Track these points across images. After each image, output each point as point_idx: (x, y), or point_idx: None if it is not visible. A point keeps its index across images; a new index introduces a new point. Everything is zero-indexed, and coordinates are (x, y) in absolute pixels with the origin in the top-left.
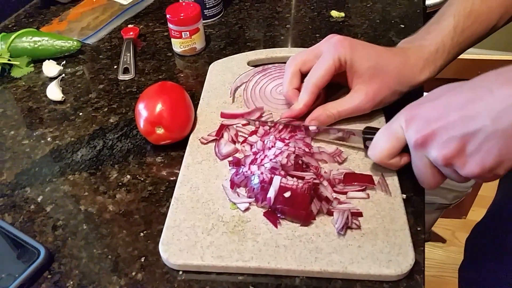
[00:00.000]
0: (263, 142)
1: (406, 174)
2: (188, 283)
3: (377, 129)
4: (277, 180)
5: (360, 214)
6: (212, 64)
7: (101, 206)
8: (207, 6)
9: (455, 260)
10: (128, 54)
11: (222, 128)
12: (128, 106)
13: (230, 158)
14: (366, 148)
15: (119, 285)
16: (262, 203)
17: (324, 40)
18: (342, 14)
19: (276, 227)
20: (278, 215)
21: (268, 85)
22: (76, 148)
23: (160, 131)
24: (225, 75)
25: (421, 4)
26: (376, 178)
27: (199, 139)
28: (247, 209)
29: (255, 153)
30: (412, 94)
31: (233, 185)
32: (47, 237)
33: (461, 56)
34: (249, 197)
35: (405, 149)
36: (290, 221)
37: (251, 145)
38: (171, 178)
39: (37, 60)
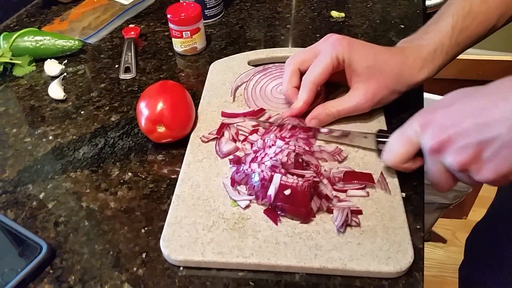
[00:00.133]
0: (264, 140)
1: (406, 173)
2: (189, 279)
3: (390, 132)
4: (277, 178)
5: (359, 212)
6: (212, 63)
7: (103, 203)
8: (208, 6)
9: (455, 260)
10: (129, 54)
11: (223, 126)
12: (129, 105)
13: (231, 157)
14: (378, 150)
15: (120, 281)
16: (263, 201)
17: (322, 39)
18: (342, 14)
19: (276, 224)
20: (278, 212)
21: (269, 85)
22: (78, 146)
23: (161, 129)
24: (226, 75)
25: (421, 4)
26: (375, 177)
27: (200, 138)
28: (247, 206)
29: (255, 152)
30: (411, 93)
31: (234, 182)
32: (49, 233)
33: (461, 57)
34: (250, 195)
35: (418, 153)
36: (290, 218)
37: (251, 144)
38: (172, 176)
39: (38, 59)
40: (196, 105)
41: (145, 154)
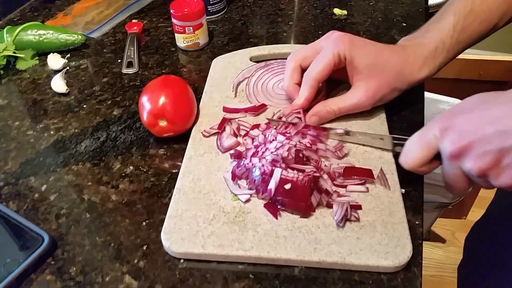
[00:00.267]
0: (265, 135)
1: (405, 170)
2: (189, 271)
3: (407, 134)
4: (277, 172)
5: (359, 207)
6: (215, 59)
7: (104, 195)
8: (211, 2)
9: (455, 260)
10: (132, 49)
11: (224, 121)
12: (131, 99)
13: (232, 151)
14: (394, 152)
15: (121, 272)
16: (263, 195)
17: (324, 36)
18: (345, 12)
19: (276, 218)
20: (279, 206)
21: (270, 80)
22: (80, 140)
23: (163, 123)
24: (228, 70)
25: (423, 3)
26: (375, 173)
27: (202, 132)
28: (248, 200)
29: (256, 146)
30: (412, 91)
31: (235, 177)
32: (51, 224)
33: (462, 57)
34: (250, 189)
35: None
36: (290, 212)
37: (252, 139)
38: (173, 170)
39: (42, 53)
40: (198, 100)
41: (146, 148)
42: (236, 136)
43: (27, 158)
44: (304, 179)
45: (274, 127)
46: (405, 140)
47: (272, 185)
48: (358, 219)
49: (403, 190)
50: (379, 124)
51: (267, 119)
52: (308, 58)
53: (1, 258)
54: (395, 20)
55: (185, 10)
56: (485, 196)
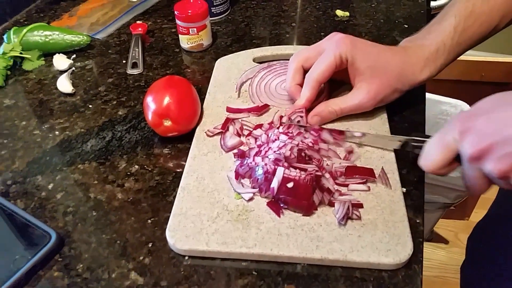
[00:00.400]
0: (268, 135)
1: (406, 169)
2: (194, 267)
3: (425, 136)
4: (280, 171)
5: (360, 206)
6: (218, 60)
7: (110, 194)
8: (215, 4)
9: (457, 261)
10: (137, 49)
11: (228, 121)
12: (136, 100)
13: (235, 151)
14: (414, 155)
15: (127, 269)
16: (266, 193)
17: (326, 38)
18: (347, 14)
19: (279, 216)
20: (281, 205)
21: (273, 81)
22: (86, 139)
23: (167, 123)
24: (231, 71)
25: (425, 5)
26: (377, 172)
27: (205, 132)
28: (251, 199)
29: (259, 146)
30: (413, 92)
31: (238, 176)
32: (58, 222)
33: (464, 58)
34: (253, 188)
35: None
36: (293, 211)
37: (255, 138)
38: (178, 170)
39: (47, 54)
40: (202, 100)
41: (151, 148)
42: (239, 135)
43: (34, 157)
44: (306, 178)
45: (277, 126)
46: (424, 142)
47: (274, 184)
48: (359, 218)
49: (404, 189)
50: (380, 124)
51: (288, 122)
52: (310, 59)
53: (10, 254)
54: (397, 21)
55: (189, 11)
56: (488, 197)
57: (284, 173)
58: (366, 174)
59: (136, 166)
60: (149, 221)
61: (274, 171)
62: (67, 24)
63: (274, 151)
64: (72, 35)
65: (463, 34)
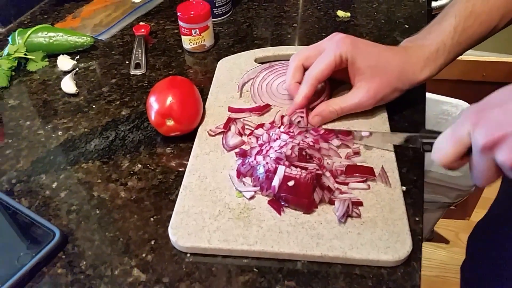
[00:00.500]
0: (269, 134)
1: (406, 168)
2: (196, 264)
3: (435, 132)
4: (281, 170)
5: (360, 204)
6: (220, 60)
7: (113, 192)
8: (217, 5)
9: (458, 261)
10: (140, 50)
11: (230, 121)
12: (139, 100)
13: (237, 150)
14: (423, 151)
15: (130, 266)
16: (267, 192)
17: (327, 38)
18: (348, 14)
19: (280, 214)
20: (282, 203)
21: (275, 81)
22: (89, 139)
23: (170, 123)
24: (233, 72)
25: (425, 5)
26: (376, 171)
27: (207, 131)
28: (252, 197)
29: (261, 145)
30: (413, 91)
31: (239, 174)
32: (61, 220)
33: (465, 58)
34: (255, 186)
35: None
36: (293, 209)
37: (257, 138)
38: (180, 169)
39: (51, 55)
40: (204, 100)
41: (154, 147)
42: (241, 135)
43: (38, 156)
44: (307, 176)
45: (278, 126)
46: (434, 138)
47: (276, 182)
48: (359, 215)
49: (404, 188)
50: (381, 123)
51: (299, 127)
52: (311, 58)
53: (15, 252)
54: (397, 22)
55: (192, 12)
56: (489, 197)
57: (285, 172)
58: (366, 173)
59: (139, 165)
60: (152, 219)
61: (275, 169)
62: (70, 25)
63: (275, 150)
64: (76, 36)
65: (463, 34)
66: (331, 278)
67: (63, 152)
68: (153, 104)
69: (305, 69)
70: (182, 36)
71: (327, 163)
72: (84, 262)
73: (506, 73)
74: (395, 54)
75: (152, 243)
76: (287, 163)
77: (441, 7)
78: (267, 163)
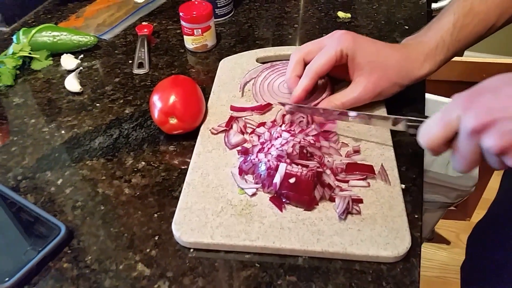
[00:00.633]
0: (270, 133)
1: (405, 166)
2: (199, 260)
3: (421, 116)
4: (282, 167)
5: (360, 201)
6: (222, 60)
7: (118, 189)
8: (219, 5)
9: (459, 261)
10: (143, 50)
11: (232, 119)
12: (142, 98)
13: (239, 148)
14: (410, 134)
15: (134, 261)
16: (268, 189)
17: (329, 34)
18: (349, 15)
19: (281, 211)
20: (283, 200)
21: (276, 80)
22: (93, 136)
23: (173, 121)
24: (235, 71)
25: (425, 7)
26: (376, 169)
27: (210, 130)
28: (254, 194)
29: (262, 143)
30: (412, 88)
31: (241, 172)
32: (67, 216)
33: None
34: (256, 183)
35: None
36: (295, 205)
37: (258, 136)
38: (183, 166)
39: (55, 54)
40: (206, 99)
41: (157, 145)
42: (243, 133)
43: (43, 153)
44: (308, 173)
45: (279, 124)
46: (420, 122)
47: (277, 179)
48: (359, 212)
49: (403, 186)
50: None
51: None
52: (312, 53)
53: (21, 246)
54: (397, 23)
55: (194, 13)
56: (489, 198)
57: (286, 169)
58: (366, 171)
59: (143, 163)
60: (156, 215)
61: (277, 167)
62: (74, 25)
63: (277, 148)
64: (80, 35)
65: (461, 31)
66: (331, 273)
67: (68, 149)
68: (156, 102)
69: (306, 63)
70: (185, 36)
71: (328, 161)
72: (89, 257)
73: None
74: (395, 50)
75: (156, 238)
76: (288, 160)
77: (441, 9)
78: (268, 160)
